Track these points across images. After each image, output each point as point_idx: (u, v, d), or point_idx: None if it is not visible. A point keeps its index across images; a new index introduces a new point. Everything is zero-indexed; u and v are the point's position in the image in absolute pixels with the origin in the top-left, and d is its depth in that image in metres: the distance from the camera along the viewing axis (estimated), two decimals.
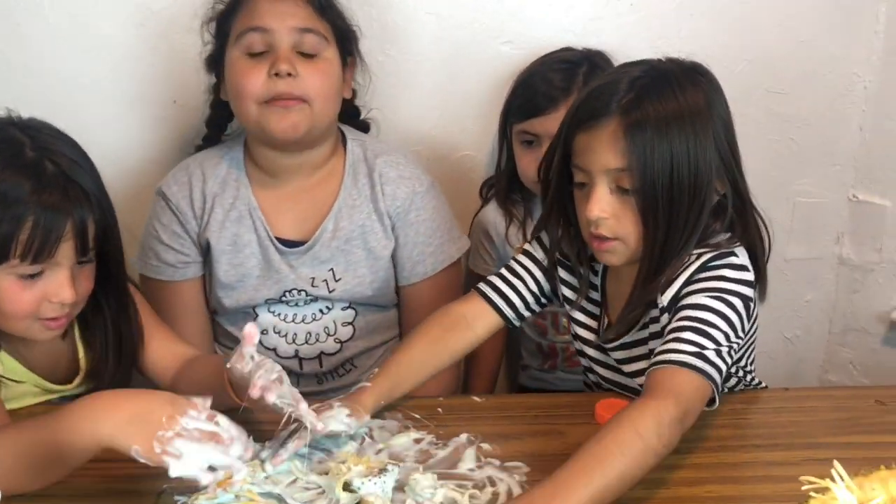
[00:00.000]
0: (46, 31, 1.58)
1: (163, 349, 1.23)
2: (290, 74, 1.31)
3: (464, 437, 1.09)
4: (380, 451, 1.07)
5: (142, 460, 0.88)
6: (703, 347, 1.03)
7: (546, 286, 1.27)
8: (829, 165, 1.80)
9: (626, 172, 1.07)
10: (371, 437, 1.10)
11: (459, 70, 1.66)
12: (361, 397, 1.11)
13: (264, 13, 1.34)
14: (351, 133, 1.50)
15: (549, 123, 1.52)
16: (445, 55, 1.65)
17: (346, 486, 0.97)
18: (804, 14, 1.70)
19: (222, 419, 0.93)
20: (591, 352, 1.26)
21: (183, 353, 1.23)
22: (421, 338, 1.22)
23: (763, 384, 1.30)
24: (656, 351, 1.06)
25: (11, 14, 1.57)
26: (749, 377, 1.26)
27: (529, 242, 1.29)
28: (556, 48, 1.60)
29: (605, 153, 1.08)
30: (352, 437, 1.07)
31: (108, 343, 1.19)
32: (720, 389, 1.05)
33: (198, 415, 0.91)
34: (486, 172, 1.73)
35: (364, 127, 1.57)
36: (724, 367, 1.04)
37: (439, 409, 1.16)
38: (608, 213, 1.10)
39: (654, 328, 1.15)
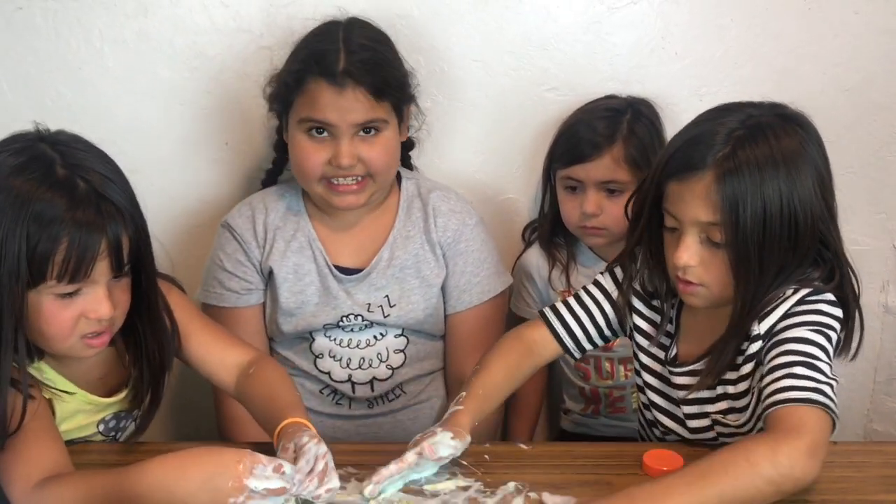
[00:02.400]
0: (105, 75, 1.64)
1: (220, 353, 1.25)
2: (351, 166, 1.38)
3: (511, 485, 1.09)
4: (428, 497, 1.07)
5: None
6: (819, 381, 1.03)
7: (613, 318, 1.28)
8: (874, 213, 1.79)
9: (718, 227, 1.09)
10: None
11: (504, 116, 1.69)
12: (459, 419, 1.14)
13: (326, 108, 1.38)
14: (405, 172, 1.57)
15: (593, 170, 1.54)
16: (491, 101, 1.68)
17: None
18: (848, 63, 1.70)
19: (288, 467, 0.96)
20: (653, 381, 1.26)
21: (241, 359, 1.24)
22: (500, 360, 1.25)
23: None
24: (769, 390, 1.05)
25: (72, 59, 1.63)
26: None
27: (602, 274, 1.31)
28: (601, 96, 1.63)
29: (697, 206, 1.09)
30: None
31: (143, 355, 1.19)
32: (837, 421, 1.04)
33: (264, 470, 0.94)
34: (529, 216, 1.75)
35: (409, 146, 1.61)
36: (836, 406, 1.03)
37: (486, 456, 1.16)
38: (696, 262, 1.11)
39: (737, 359, 1.15)
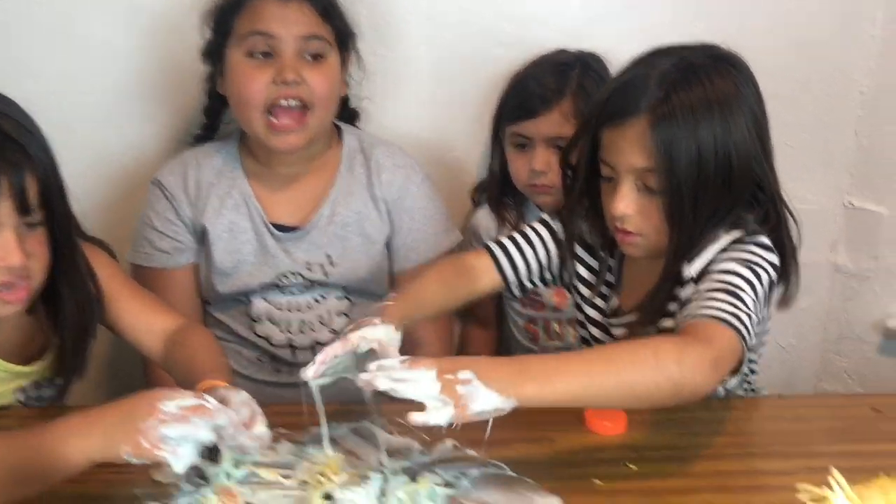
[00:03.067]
0: (34, 29, 1.56)
1: (147, 319, 1.20)
2: (296, 82, 1.32)
3: (449, 443, 1.06)
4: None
5: (136, 461, 0.86)
6: (737, 308, 1.00)
7: (555, 261, 1.26)
8: (825, 172, 1.79)
9: (652, 173, 1.07)
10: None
11: (452, 72, 1.65)
12: (389, 311, 1.08)
13: (270, 18, 1.34)
14: (346, 127, 1.52)
15: (542, 125, 1.51)
16: (437, 56, 1.64)
17: (328, 498, 0.94)
18: (801, 19, 1.68)
19: (209, 397, 0.91)
20: (596, 332, 1.25)
21: (168, 325, 1.20)
22: (435, 273, 1.22)
23: (765, 390, 1.28)
24: (686, 310, 1.03)
25: (0, 14, 1.54)
26: (753, 377, 1.24)
27: (549, 215, 1.28)
28: (550, 50, 1.58)
29: (631, 153, 1.07)
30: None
31: (64, 321, 1.14)
32: (747, 351, 1.01)
33: (179, 395, 0.88)
34: (477, 175, 1.71)
35: (353, 116, 1.57)
36: (753, 333, 1.01)
37: None
38: (633, 211, 1.10)
39: (670, 306, 1.13)
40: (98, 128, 1.61)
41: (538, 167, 1.53)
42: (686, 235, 1.08)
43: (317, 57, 1.36)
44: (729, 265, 1.06)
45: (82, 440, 0.87)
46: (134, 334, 1.20)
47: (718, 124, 1.05)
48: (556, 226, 1.26)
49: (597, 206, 1.17)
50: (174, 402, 0.87)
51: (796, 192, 1.76)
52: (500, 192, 1.64)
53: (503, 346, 1.75)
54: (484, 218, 1.65)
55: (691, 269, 1.09)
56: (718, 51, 1.11)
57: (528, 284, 1.27)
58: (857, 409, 1.18)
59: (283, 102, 1.34)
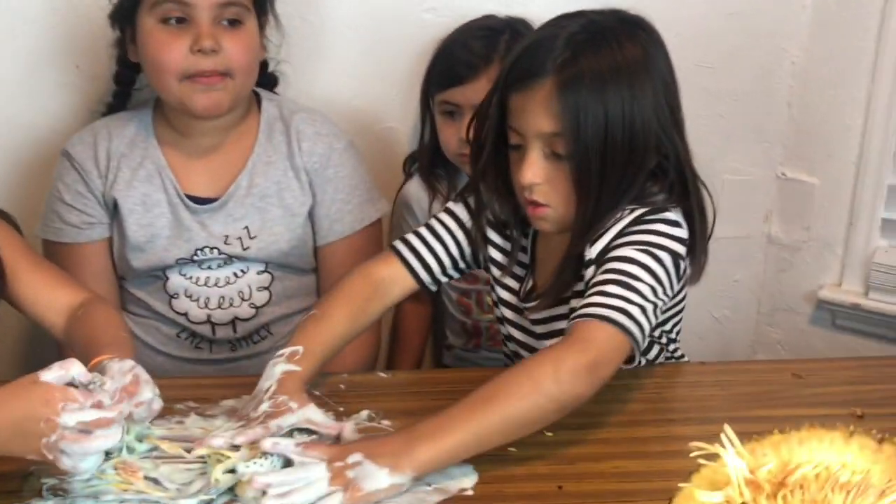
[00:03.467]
0: None
1: (50, 294, 1.15)
2: (213, 51, 1.27)
3: (364, 413, 1.04)
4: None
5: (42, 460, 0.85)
6: (628, 301, 0.99)
7: (467, 249, 1.21)
8: (757, 143, 1.78)
9: (560, 137, 1.04)
10: None
11: (381, 38, 1.61)
12: (295, 387, 1.01)
13: None
14: (265, 93, 1.46)
15: (470, 93, 1.47)
16: (366, 21, 1.59)
17: (231, 472, 0.90)
18: None
19: (107, 398, 0.87)
20: (509, 314, 1.22)
21: (71, 300, 1.15)
22: (342, 306, 1.13)
23: (686, 358, 1.27)
24: (579, 305, 1.02)
25: None
26: (672, 346, 1.23)
27: (453, 202, 1.24)
28: (479, 16, 1.55)
29: (538, 116, 1.04)
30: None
31: None
32: (640, 346, 1.01)
33: (75, 407, 0.85)
34: (409, 146, 1.68)
35: (272, 81, 1.51)
36: (647, 325, 1.01)
37: (342, 386, 1.11)
38: (541, 179, 1.07)
39: (577, 286, 1.10)
40: (9, 96, 1.54)
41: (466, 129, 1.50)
42: (591, 206, 1.06)
43: (234, 23, 1.31)
44: (626, 251, 1.04)
45: None
46: (36, 309, 1.15)
47: (626, 90, 1.03)
48: (462, 212, 1.21)
49: (506, 180, 1.13)
50: (72, 416, 0.84)
51: (729, 164, 1.79)
52: (431, 162, 1.60)
53: (437, 319, 1.72)
54: (415, 189, 1.62)
55: (592, 251, 1.07)
56: (627, 15, 1.09)
57: (443, 279, 1.22)
58: (778, 374, 1.17)
59: (203, 73, 1.28)
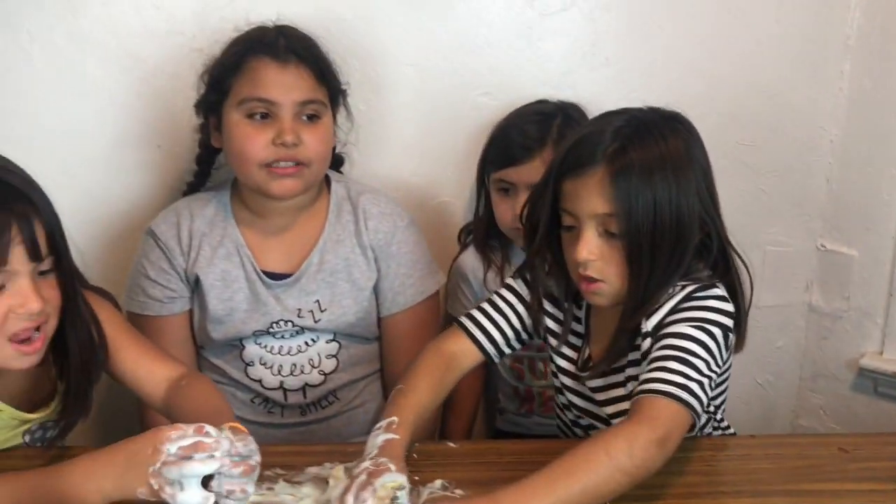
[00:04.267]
0: (34, 76, 1.61)
1: (149, 367, 1.24)
2: (294, 144, 1.38)
3: (438, 483, 1.11)
4: None
5: (152, 499, 0.92)
6: (688, 377, 1.08)
7: (528, 322, 1.30)
8: (797, 215, 1.85)
9: (613, 217, 1.13)
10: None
11: (438, 119, 1.71)
12: (396, 451, 1.10)
13: (269, 85, 1.38)
14: (334, 175, 1.56)
15: (525, 172, 1.56)
16: (425, 105, 1.70)
17: None
18: (772, 70, 1.76)
19: (212, 429, 0.95)
20: (567, 381, 1.30)
21: (170, 373, 1.23)
22: (425, 379, 1.24)
23: (732, 430, 1.33)
24: (640, 379, 1.11)
25: (1, 62, 1.60)
26: (719, 415, 1.30)
27: (513, 278, 1.33)
28: (532, 100, 1.65)
29: (592, 199, 1.14)
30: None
31: (69, 367, 1.17)
32: (700, 419, 1.10)
33: (179, 434, 0.93)
34: (463, 218, 1.77)
35: (339, 161, 1.62)
36: (705, 399, 1.09)
37: (414, 455, 1.17)
38: (596, 256, 1.15)
39: (633, 356, 1.19)
40: (95, 174, 1.65)
41: (521, 211, 1.58)
42: (643, 281, 1.14)
43: (312, 117, 1.42)
44: (682, 328, 1.13)
45: (97, 482, 0.94)
46: (135, 380, 1.23)
47: (672, 179, 1.13)
48: (521, 287, 1.30)
49: (559, 259, 1.23)
50: (175, 444, 0.93)
51: (771, 236, 1.87)
52: (485, 234, 1.69)
53: (490, 384, 1.79)
54: (470, 259, 1.70)
55: (648, 324, 1.15)
56: (664, 111, 1.20)
57: (507, 350, 1.31)
58: (825, 448, 1.22)
59: (283, 164, 1.39)
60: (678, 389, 1.07)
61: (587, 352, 1.27)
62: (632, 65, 1.72)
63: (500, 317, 1.30)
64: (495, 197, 1.63)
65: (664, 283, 1.15)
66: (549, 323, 1.30)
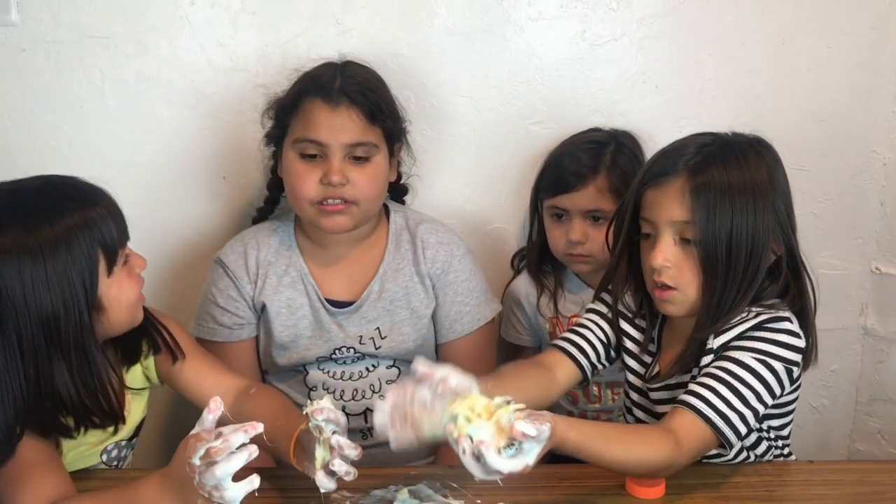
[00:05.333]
0: (105, 113, 1.69)
1: (216, 378, 1.31)
2: (341, 184, 1.43)
3: None
4: None
5: None
6: (730, 406, 1.12)
7: (612, 338, 1.34)
8: (850, 239, 1.85)
9: (690, 225, 1.17)
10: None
11: (492, 149, 1.75)
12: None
13: (320, 127, 1.44)
14: (393, 205, 1.62)
15: (578, 199, 1.60)
16: (478, 135, 1.74)
17: None
18: (824, 95, 1.77)
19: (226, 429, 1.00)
20: (635, 396, 1.33)
21: (236, 384, 1.31)
22: (515, 372, 1.30)
23: (793, 455, 1.34)
24: (691, 387, 1.15)
25: (74, 98, 1.69)
26: (782, 443, 1.31)
27: (594, 302, 1.38)
28: (584, 128, 1.69)
29: (671, 206, 1.18)
30: None
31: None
32: (731, 449, 1.14)
33: (202, 443, 0.99)
34: (517, 244, 1.80)
35: (402, 191, 1.67)
36: (743, 430, 1.14)
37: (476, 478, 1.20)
38: (671, 263, 1.19)
39: (696, 372, 1.21)
40: (162, 206, 1.72)
41: (575, 237, 1.61)
42: (716, 295, 1.17)
43: (362, 159, 1.47)
44: (743, 356, 1.15)
45: (169, 500, 1.02)
46: (202, 392, 1.30)
47: (751, 206, 1.16)
48: (601, 306, 1.35)
49: (637, 269, 1.26)
50: (196, 454, 0.99)
51: (825, 260, 1.86)
52: (538, 259, 1.72)
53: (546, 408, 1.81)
54: (524, 284, 1.73)
55: (715, 342, 1.18)
56: (746, 135, 1.23)
57: (599, 366, 1.35)
58: (886, 475, 1.23)
59: (331, 202, 1.45)
60: (719, 420, 1.12)
61: (656, 368, 1.30)
62: (682, 92, 1.74)
63: (587, 331, 1.34)
64: (549, 223, 1.66)
65: (737, 302, 1.18)
66: (626, 342, 1.33)
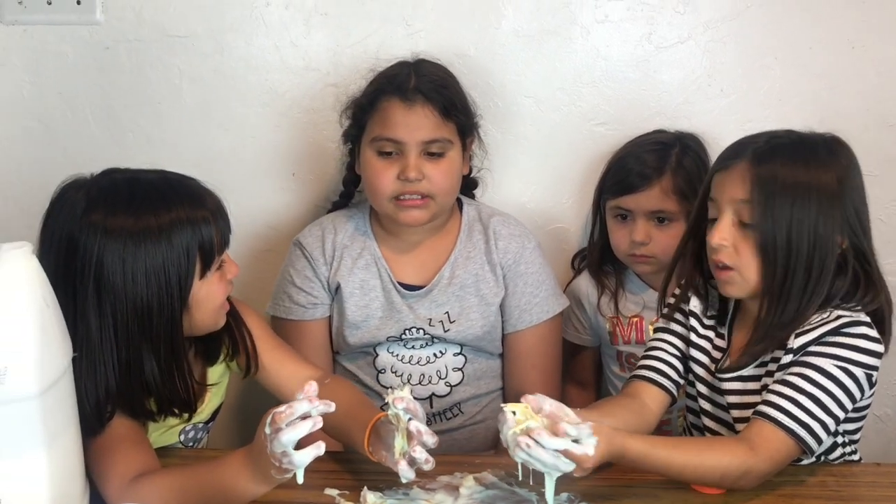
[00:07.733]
0: (182, 109, 1.77)
1: (292, 367, 1.36)
2: (417, 179, 1.48)
3: (564, 496, 1.16)
4: None
5: (284, 475, 1.06)
6: (814, 418, 1.13)
7: (685, 349, 1.34)
8: None
9: (748, 206, 1.19)
10: None
11: (555, 149, 1.78)
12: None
13: (397, 125, 1.49)
14: (465, 199, 1.66)
15: (642, 200, 1.61)
16: (543, 135, 1.77)
17: None
18: (890, 99, 1.75)
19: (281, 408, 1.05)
20: (702, 388, 1.33)
21: (311, 374, 1.34)
22: (607, 403, 1.35)
23: (860, 458, 1.34)
24: (771, 396, 1.16)
25: (153, 95, 1.76)
26: (852, 447, 1.31)
27: (657, 319, 1.39)
28: (648, 130, 1.70)
29: (733, 185, 1.21)
30: None
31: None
32: (812, 455, 1.15)
33: (269, 417, 1.04)
34: (577, 244, 1.82)
35: (473, 184, 1.71)
36: (825, 438, 1.15)
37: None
38: (728, 242, 1.21)
39: (771, 367, 1.22)
40: (235, 198, 1.73)
41: (638, 238, 1.63)
42: (780, 278, 1.18)
43: (437, 154, 1.51)
44: (824, 363, 1.16)
45: (249, 472, 1.08)
46: (279, 380, 1.35)
47: (815, 209, 1.17)
48: (666, 323, 1.35)
49: (703, 255, 1.28)
50: (266, 425, 1.04)
51: (890, 266, 1.82)
52: (600, 259, 1.74)
53: None
54: (585, 284, 1.75)
55: (795, 342, 1.18)
56: (823, 134, 1.25)
57: (681, 381, 1.35)
58: None
59: (408, 197, 1.50)
60: (801, 429, 1.13)
61: (726, 362, 1.30)
62: (747, 95, 1.74)
63: (661, 353, 1.34)
64: (612, 224, 1.68)
65: (808, 295, 1.18)
66: (693, 338, 1.33)
